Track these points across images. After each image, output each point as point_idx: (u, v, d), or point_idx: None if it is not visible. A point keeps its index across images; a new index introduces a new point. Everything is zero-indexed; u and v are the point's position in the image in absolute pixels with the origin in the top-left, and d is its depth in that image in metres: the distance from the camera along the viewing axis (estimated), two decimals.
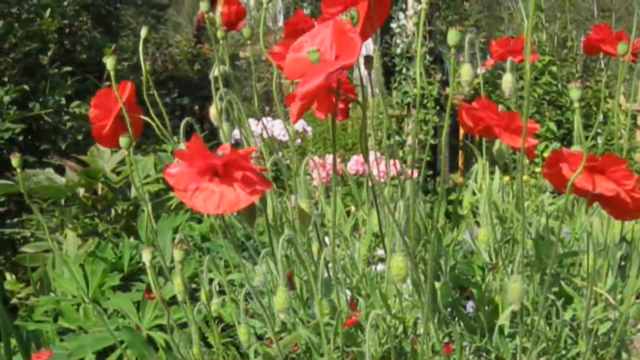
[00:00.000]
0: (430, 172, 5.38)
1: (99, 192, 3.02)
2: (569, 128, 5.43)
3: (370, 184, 1.33)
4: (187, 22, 10.14)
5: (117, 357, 1.52)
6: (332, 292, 1.11)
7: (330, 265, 1.06)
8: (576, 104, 0.88)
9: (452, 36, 0.88)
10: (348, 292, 1.26)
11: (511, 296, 1.02)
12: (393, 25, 5.97)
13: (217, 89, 1.27)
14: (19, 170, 1.23)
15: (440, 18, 6.90)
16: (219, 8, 1.38)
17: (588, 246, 1.28)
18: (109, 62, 1.24)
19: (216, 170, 0.93)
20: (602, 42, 1.42)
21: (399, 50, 5.80)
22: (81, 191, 2.96)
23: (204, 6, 1.21)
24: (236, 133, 1.54)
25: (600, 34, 1.42)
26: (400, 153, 5.20)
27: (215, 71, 1.30)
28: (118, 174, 3.02)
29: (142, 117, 1.35)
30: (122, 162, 3.12)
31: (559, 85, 5.57)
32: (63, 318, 1.65)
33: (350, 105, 1.28)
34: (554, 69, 5.58)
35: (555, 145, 5.48)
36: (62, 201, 3.03)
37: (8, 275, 2.94)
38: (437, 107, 5.47)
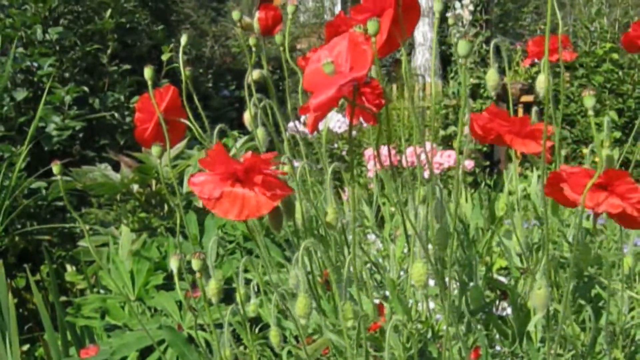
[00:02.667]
0: (487, 163, 5.32)
1: (154, 187, 3.09)
2: (631, 116, 5.30)
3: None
4: (247, 14, 10.21)
5: (158, 356, 1.57)
6: (361, 296, 1.12)
7: (354, 268, 1.06)
8: (590, 112, 0.87)
9: (462, 47, 0.87)
10: (377, 296, 1.27)
11: (536, 303, 1.01)
12: (449, 14, 5.92)
13: (251, 94, 1.29)
14: (58, 174, 1.26)
15: (500, 5, 6.80)
16: (257, 14, 1.40)
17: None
18: (147, 72, 1.27)
19: (238, 176, 0.95)
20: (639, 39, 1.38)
21: (455, 40, 5.74)
22: (135, 187, 3.02)
23: (235, 15, 1.23)
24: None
25: (638, 31, 1.38)
26: (456, 143, 5.15)
27: (249, 77, 1.31)
28: (174, 167, 3.08)
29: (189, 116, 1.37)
30: (176, 158, 3.18)
31: (620, 73, 5.43)
32: (109, 315, 1.70)
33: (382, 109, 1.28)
34: (616, 55, 5.44)
35: (616, 134, 5.36)
36: (118, 196, 3.11)
37: (69, 267, 3.03)
38: (495, 97, 5.39)
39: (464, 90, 0.92)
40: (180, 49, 1.36)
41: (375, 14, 1.10)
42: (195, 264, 0.98)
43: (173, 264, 1.04)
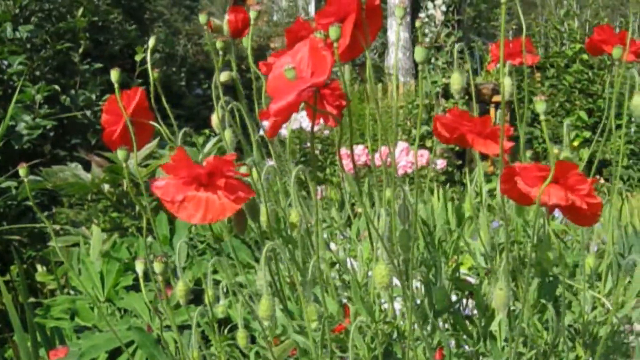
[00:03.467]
0: (459, 162, 5.37)
1: (125, 187, 3.08)
2: (600, 116, 5.37)
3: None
4: (221, 12, 10.19)
5: (127, 357, 1.57)
6: (326, 297, 1.13)
7: (318, 270, 1.08)
8: (542, 117, 0.89)
9: (419, 53, 0.89)
10: (344, 296, 1.28)
11: (497, 303, 1.03)
12: (422, 15, 5.97)
13: (218, 96, 1.29)
14: (25, 177, 1.26)
15: (472, 6, 6.86)
16: (226, 16, 1.40)
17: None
18: (114, 74, 1.27)
19: (200, 180, 0.95)
20: (604, 43, 1.40)
21: (427, 40, 5.79)
22: (106, 186, 3.01)
23: (202, 18, 1.23)
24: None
25: (602, 35, 1.40)
26: (429, 143, 5.19)
27: (217, 79, 1.31)
28: (145, 167, 3.07)
29: (153, 121, 1.37)
30: (148, 157, 3.17)
31: (590, 73, 5.50)
32: (79, 317, 1.70)
33: (344, 111, 1.29)
34: (586, 56, 5.51)
35: (586, 134, 5.43)
36: (89, 196, 3.10)
37: (39, 267, 3.01)
38: (466, 97, 5.45)
39: (422, 97, 0.94)
40: (148, 51, 1.36)
41: (339, 19, 1.11)
42: (158, 267, 0.99)
43: (138, 268, 1.04)
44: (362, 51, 1.13)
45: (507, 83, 1.33)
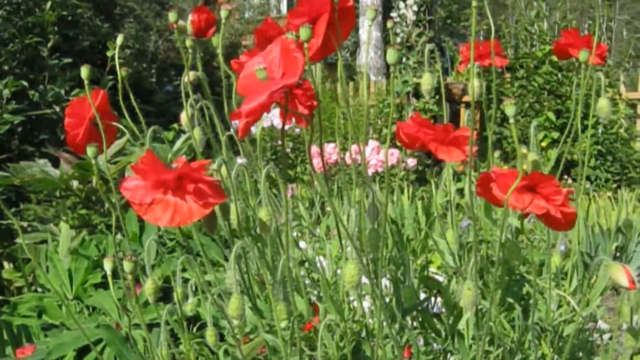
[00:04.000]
0: (430, 161, 5.40)
1: (94, 184, 3.05)
2: (569, 117, 5.42)
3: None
4: (192, 8, 10.13)
5: (96, 355, 1.56)
6: (296, 296, 1.14)
7: (287, 269, 1.08)
8: (511, 120, 0.90)
9: (390, 54, 0.90)
10: (313, 294, 1.29)
11: (465, 302, 1.04)
12: (393, 14, 5.99)
13: (187, 94, 1.29)
14: None
15: (443, 6, 6.90)
16: (190, 16, 1.40)
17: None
18: (84, 71, 1.26)
19: (169, 184, 0.95)
20: (570, 47, 1.42)
21: (398, 39, 5.82)
22: (75, 183, 2.99)
23: (172, 17, 1.23)
24: None
25: (569, 39, 1.42)
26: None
27: (185, 78, 1.31)
28: (115, 163, 3.05)
29: (119, 120, 1.37)
30: (117, 154, 3.15)
31: (559, 75, 5.57)
32: (46, 314, 1.69)
33: (314, 111, 1.30)
34: (555, 58, 5.56)
35: (554, 135, 5.49)
36: (57, 193, 3.07)
37: (6, 265, 2.98)
38: (437, 96, 5.48)
39: (392, 96, 0.95)
40: (117, 49, 1.35)
41: (311, 19, 1.11)
42: (127, 266, 0.99)
43: (106, 266, 1.04)
44: (334, 51, 1.14)
45: (475, 84, 1.34)
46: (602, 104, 1.22)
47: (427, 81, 1.14)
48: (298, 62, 0.85)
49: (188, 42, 1.26)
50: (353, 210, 1.01)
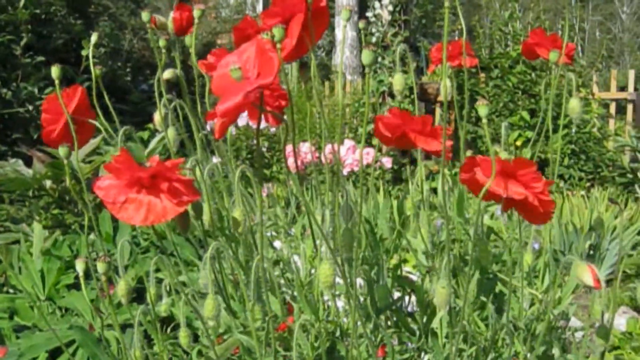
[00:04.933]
0: (406, 160, 5.42)
1: (68, 183, 3.02)
2: (543, 117, 5.46)
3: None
4: (167, 7, 10.09)
5: (68, 357, 1.55)
6: (270, 296, 1.13)
7: (262, 270, 1.08)
8: (484, 121, 0.91)
9: (366, 56, 0.90)
10: (287, 294, 1.29)
11: (438, 301, 1.05)
12: (369, 14, 6.01)
13: (161, 93, 1.28)
14: None
15: (418, 5, 6.93)
16: (171, 14, 1.39)
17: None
18: (54, 70, 1.25)
19: (143, 183, 0.95)
20: (537, 46, 1.42)
21: (374, 39, 5.83)
22: (48, 182, 2.96)
23: (145, 16, 1.22)
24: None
25: (535, 38, 1.43)
26: (375, 141, 5.22)
27: (161, 76, 1.30)
28: (89, 162, 3.03)
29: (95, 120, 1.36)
30: (91, 153, 3.13)
31: (533, 75, 5.61)
32: (18, 316, 1.67)
33: (288, 110, 1.30)
34: None
35: (528, 134, 5.53)
36: (30, 192, 3.04)
37: None
38: (412, 96, 5.50)
39: (368, 98, 0.95)
40: (90, 48, 1.34)
41: (285, 19, 1.11)
42: (100, 267, 0.98)
43: (79, 267, 1.03)
44: (308, 51, 1.14)
45: (447, 85, 1.35)
46: (573, 104, 1.23)
47: (398, 81, 1.14)
48: (273, 62, 0.85)
49: (162, 42, 1.25)
50: (327, 210, 1.01)
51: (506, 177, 0.97)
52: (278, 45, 0.91)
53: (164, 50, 1.27)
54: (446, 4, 0.90)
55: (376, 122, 1.06)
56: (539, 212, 1.00)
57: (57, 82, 1.24)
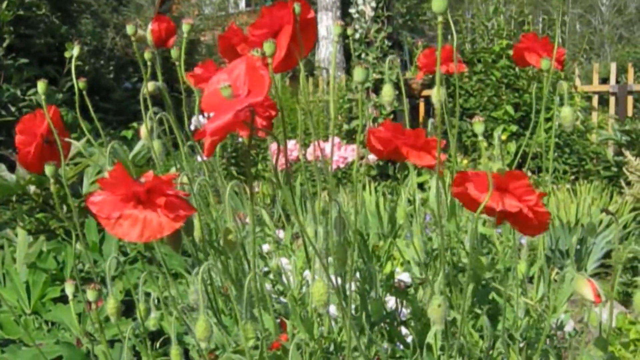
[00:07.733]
0: None
1: (52, 188, 2.99)
2: (527, 110, 5.48)
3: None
4: (150, 4, 10.02)
5: None
6: (262, 314, 1.11)
7: (254, 288, 1.06)
8: (480, 137, 0.90)
9: (358, 73, 0.88)
10: (279, 308, 1.27)
11: (433, 317, 1.03)
12: (352, 10, 5.99)
13: (147, 107, 1.25)
14: None
15: (401, 1, 6.91)
16: (150, 25, 1.37)
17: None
18: (40, 86, 1.22)
19: (139, 198, 0.92)
20: (527, 50, 1.40)
21: (357, 36, 5.82)
22: (32, 188, 2.93)
23: (130, 29, 1.20)
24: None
25: (526, 42, 1.40)
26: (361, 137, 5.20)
27: (145, 90, 1.28)
28: (75, 165, 3.00)
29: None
30: (76, 156, 3.09)
31: (516, 69, 5.62)
32: (3, 330, 1.64)
33: (273, 121, 1.28)
34: (512, 52, 5.61)
35: (513, 128, 5.54)
36: (14, 197, 3.00)
37: None
38: (397, 91, 5.47)
39: (361, 108, 0.93)
40: (73, 60, 1.31)
41: (272, 31, 1.09)
42: (91, 295, 0.96)
43: (68, 290, 1.01)
44: (297, 63, 1.12)
45: (440, 92, 1.33)
46: (566, 113, 1.21)
47: (388, 92, 1.13)
48: (264, 80, 0.83)
49: (147, 55, 1.22)
50: (321, 227, 0.99)
51: (499, 191, 0.96)
52: (269, 60, 0.89)
53: (149, 63, 1.24)
54: (439, 18, 0.88)
55: (368, 135, 1.05)
56: (534, 223, 1.00)
57: (43, 98, 1.21)
